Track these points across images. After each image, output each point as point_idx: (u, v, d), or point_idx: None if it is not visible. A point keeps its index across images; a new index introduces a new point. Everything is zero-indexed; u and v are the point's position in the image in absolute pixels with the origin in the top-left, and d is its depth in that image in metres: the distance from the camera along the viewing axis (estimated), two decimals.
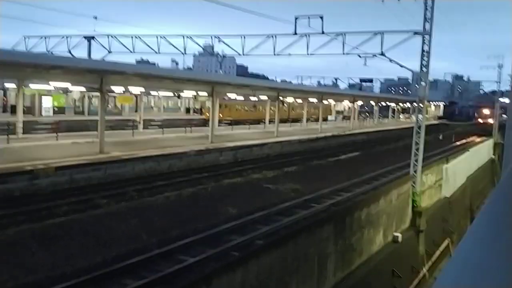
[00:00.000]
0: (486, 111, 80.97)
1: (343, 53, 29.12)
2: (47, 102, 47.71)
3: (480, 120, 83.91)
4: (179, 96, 61.71)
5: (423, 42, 23.92)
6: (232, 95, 46.71)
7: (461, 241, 1.12)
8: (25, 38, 39.67)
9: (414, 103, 25.63)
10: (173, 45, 34.34)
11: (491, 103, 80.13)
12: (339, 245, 17.40)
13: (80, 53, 38.77)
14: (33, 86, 35.98)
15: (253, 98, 52.77)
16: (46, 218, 16.68)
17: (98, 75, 27.55)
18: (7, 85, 42.76)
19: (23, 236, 14.63)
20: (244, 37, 32.31)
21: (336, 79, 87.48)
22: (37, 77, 28.12)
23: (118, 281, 11.80)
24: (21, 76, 27.96)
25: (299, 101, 59.07)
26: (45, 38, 38.38)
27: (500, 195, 1.66)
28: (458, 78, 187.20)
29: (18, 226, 15.63)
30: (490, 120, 71.71)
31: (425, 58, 24.00)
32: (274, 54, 31.57)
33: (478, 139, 61.01)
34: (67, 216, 17.14)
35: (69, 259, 12.80)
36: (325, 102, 55.78)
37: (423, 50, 24.00)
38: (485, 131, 65.78)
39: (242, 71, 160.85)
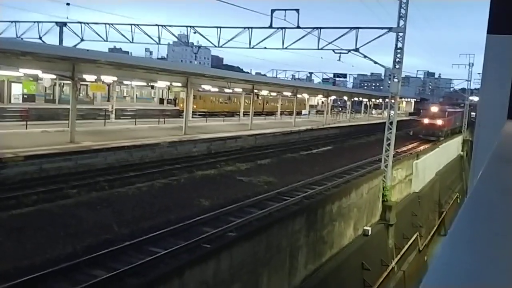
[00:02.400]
0: (434, 109, 56.22)
1: (318, 48, 29.23)
2: (17, 89, 46.63)
3: (425, 121, 53.57)
4: (152, 87, 61.08)
5: (397, 39, 24.19)
6: (207, 87, 46.49)
7: (444, 240, 1.13)
8: None
9: (386, 99, 25.96)
10: (147, 35, 33.92)
11: (460, 100, 78.76)
12: (310, 237, 17.55)
13: (52, 40, 38.01)
14: (2, 72, 35.09)
15: (228, 91, 52.61)
16: (14, 208, 16.35)
17: (70, 63, 27.03)
18: None
19: None
20: (220, 29, 32.14)
21: (310, 74, 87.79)
22: (6, 63, 27.41)
23: (88, 272, 11.66)
24: None
25: (274, 94, 59.16)
26: (15, 23, 37.45)
27: (481, 189, 1.68)
28: (429, 75, 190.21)
29: None
30: (440, 121, 52.08)
31: (399, 55, 24.29)
32: (250, 47, 31.47)
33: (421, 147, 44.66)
34: (36, 206, 16.84)
35: (38, 249, 12.58)
36: (299, 96, 55.98)
37: (396, 47, 24.27)
38: (433, 136, 50.89)
39: (217, 62, 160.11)
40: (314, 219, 18.08)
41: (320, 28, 29.13)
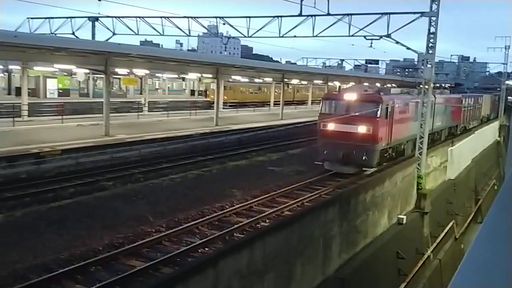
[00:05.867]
0: (352, 96, 22.88)
1: (349, 35, 28.85)
2: (52, 84, 47.68)
3: (330, 127, 22.80)
4: (183, 79, 61.59)
5: (430, 24, 23.67)
6: (237, 77, 46.57)
7: (473, 241, 1.12)
8: (29, 19, 39.46)
9: (420, 85, 25.48)
10: (177, 27, 34.11)
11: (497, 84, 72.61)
12: (344, 227, 17.47)
13: (84, 35, 38.59)
14: (37, 68, 35.95)
15: (258, 80, 52.58)
16: (53, 201, 16.82)
17: (103, 57, 27.50)
18: (12, 67, 42.78)
19: (30, 218, 14.79)
20: (249, 19, 32.05)
21: (341, 61, 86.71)
22: (42, 59, 28.09)
23: (125, 263, 11.93)
24: (26, 58, 27.92)
25: (304, 83, 58.80)
26: (49, 19, 38.17)
27: (508, 193, 1.66)
28: (464, 59, 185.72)
29: (25, 208, 15.78)
30: (366, 127, 22.42)
31: (431, 40, 23.78)
32: (280, 36, 31.30)
33: None
34: (73, 199, 17.28)
35: (76, 241, 12.92)
36: (330, 84, 55.49)
37: (429, 32, 23.76)
38: (349, 162, 23.30)
39: (246, 52, 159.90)
40: (347, 209, 17.98)
41: (351, 14, 28.73)
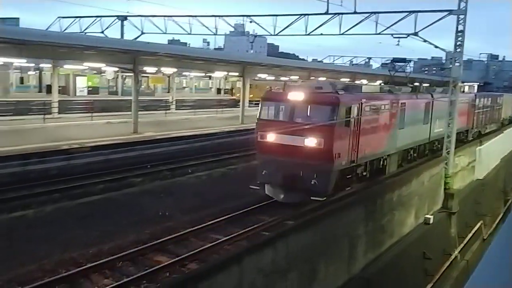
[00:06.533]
0: (299, 96, 16.44)
1: (376, 33, 28.65)
2: (82, 82, 48.58)
3: (269, 138, 16.67)
4: (210, 77, 62.00)
5: (458, 22, 23.33)
6: (263, 75, 46.63)
7: (492, 241, 1.18)
8: (59, 19, 40.26)
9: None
10: (204, 25, 34.37)
11: None
12: (369, 226, 17.40)
13: (113, 33, 39.20)
14: (67, 66, 36.69)
15: (284, 78, 52.55)
16: (82, 196, 17.19)
17: (131, 56, 27.91)
18: (42, 65, 43.75)
19: (60, 213, 15.17)
20: (276, 17, 32.10)
21: (368, 59, 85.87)
22: (72, 58, 28.65)
23: (152, 258, 12.13)
24: (56, 56, 28.50)
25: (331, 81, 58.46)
26: (79, 19, 38.89)
27: None
28: (493, 57, 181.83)
29: (55, 204, 16.18)
30: (307, 142, 16.05)
31: (460, 38, 23.45)
32: (306, 34, 31.27)
33: None
34: (102, 195, 17.62)
35: (104, 236, 13.19)
36: (357, 82, 55.09)
37: (457, 30, 23.43)
38: (294, 192, 17.19)
39: (273, 50, 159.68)
40: (373, 208, 17.89)
41: (378, 12, 28.51)
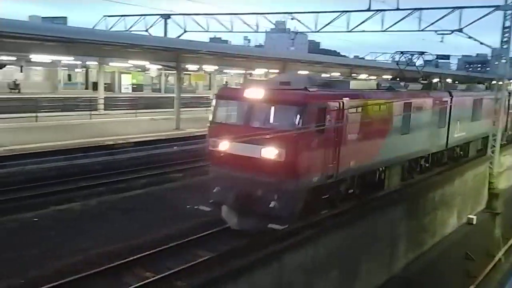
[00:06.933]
0: (258, 94, 12.71)
1: (419, 30, 28.23)
2: (126, 80, 49.68)
3: (222, 146, 12.91)
4: (250, 74, 62.30)
5: (505, 17, 22.72)
6: (304, 72, 46.49)
7: None
8: (105, 17, 41.32)
9: (493, 81, 24.50)
10: (246, 23, 34.60)
11: None
12: (411, 225, 17.22)
13: (157, 32, 39.96)
14: (113, 64, 37.64)
15: (324, 75, 52.25)
16: (125, 191, 17.61)
17: (174, 54, 28.43)
18: (89, 63, 45.00)
19: (104, 207, 15.60)
20: (317, 14, 32.00)
21: (411, 56, 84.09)
22: (117, 56, 29.40)
23: (193, 252, 12.33)
24: (102, 54, 29.30)
25: (373, 78, 57.78)
26: (124, 17, 39.81)
27: None
28: None
29: (99, 197, 16.65)
30: (265, 152, 12.23)
31: (506, 34, 22.83)
32: (348, 31, 31.09)
33: None
34: (144, 189, 18.00)
35: (146, 229, 13.47)
36: (436, 80, 54.11)
37: (504, 26, 22.81)
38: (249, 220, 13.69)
39: (314, 47, 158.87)
40: (415, 207, 17.69)
41: (421, 9, 28.08)
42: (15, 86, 46.37)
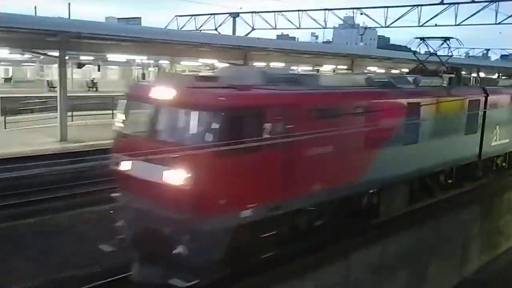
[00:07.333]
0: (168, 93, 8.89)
1: (496, 23, 27.08)
2: None
3: (124, 165, 9.27)
4: (317, 71, 62.02)
5: None
6: (373, 68, 45.77)
7: None
8: (176, 17, 42.55)
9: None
10: (313, 19, 34.54)
11: None
12: (485, 227, 16.63)
13: (226, 30, 40.68)
14: (184, 62, 38.69)
15: (394, 71, 51.15)
16: None
17: (242, 52, 28.85)
18: (161, 61, 46.49)
19: None
20: (387, 8, 31.43)
21: (487, 50, 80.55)
22: (188, 54, 30.23)
23: None
24: (174, 53, 30.20)
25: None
26: (194, 17, 40.83)
27: None
28: None
29: None
30: (168, 176, 8.39)
31: None
32: (419, 25, 30.34)
33: None
34: None
35: None
36: (474, 75, 52.10)
37: None
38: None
39: (383, 42, 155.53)
40: (489, 208, 17.05)
41: (498, 0, 26.91)
42: (92, 85, 48.79)
